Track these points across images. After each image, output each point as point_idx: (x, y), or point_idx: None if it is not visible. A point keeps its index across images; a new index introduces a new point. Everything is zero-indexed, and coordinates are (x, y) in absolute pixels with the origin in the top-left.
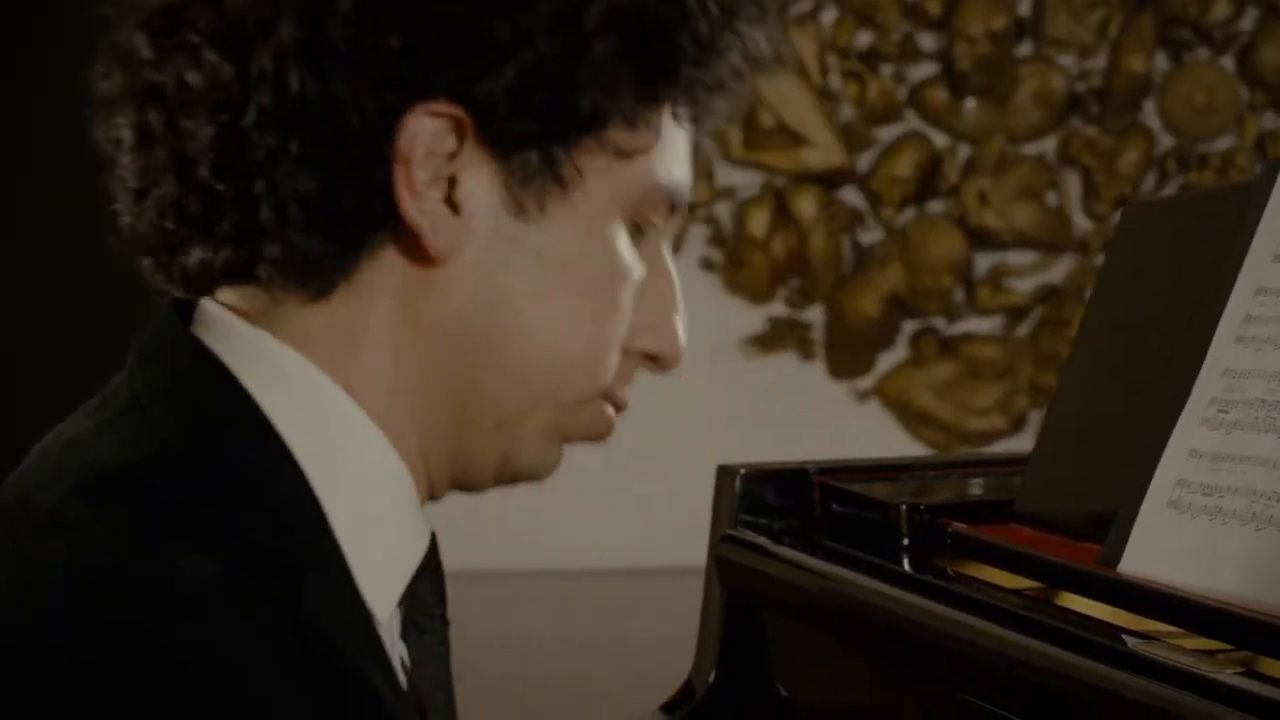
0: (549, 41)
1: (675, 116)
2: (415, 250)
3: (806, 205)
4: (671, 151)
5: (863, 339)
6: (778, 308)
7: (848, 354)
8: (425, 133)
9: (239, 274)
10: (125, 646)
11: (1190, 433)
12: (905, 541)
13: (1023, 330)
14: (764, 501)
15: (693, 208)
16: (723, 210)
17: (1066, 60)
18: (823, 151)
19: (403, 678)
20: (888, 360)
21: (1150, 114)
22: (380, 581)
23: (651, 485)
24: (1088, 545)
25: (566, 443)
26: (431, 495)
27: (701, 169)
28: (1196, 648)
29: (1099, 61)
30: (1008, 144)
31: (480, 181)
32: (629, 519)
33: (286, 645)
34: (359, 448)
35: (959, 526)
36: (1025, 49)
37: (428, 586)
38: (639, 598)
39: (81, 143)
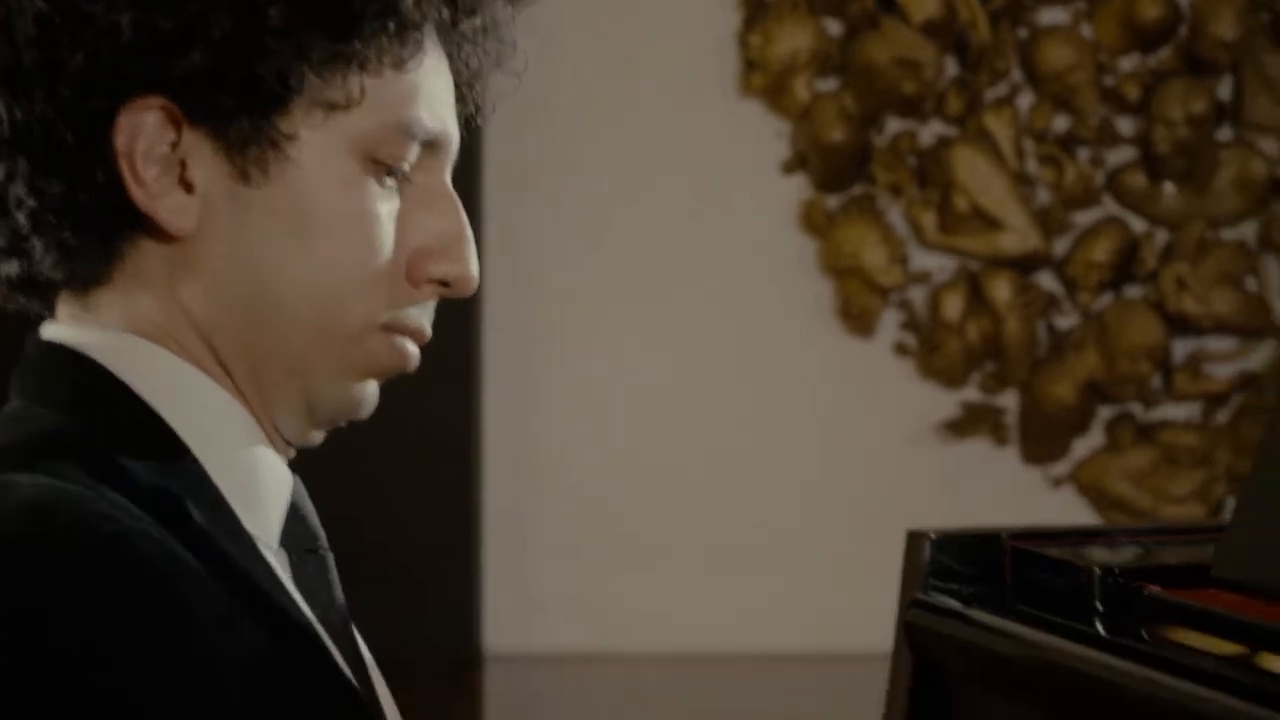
0: (225, 19)
1: (385, 63)
2: (165, 235)
3: (1002, 290)
4: (400, 91)
5: (1058, 425)
6: (971, 393)
7: (1042, 440)
8: (142, 128)
9: (38, 283)
10: (70, 538)
11: None
12: (1099, 606)
13: (1221, 417)
14: (954, 567)
15: (886, 292)
16: (917, 295)
17: (1268, 144)
18: (1019, 236)
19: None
20: (1083, 446)
21: None
22: (255, 517)
23: (847, 564)
24: None
25: (372, 378)
26: (278, 447)
27: (895, 253)
28: None
29: None
30: (1207, 229)
31: (205, 159)
32: (820, 600)
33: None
34: (203, 398)
35: (1155, 590)
36: (1225, 133)
37: (303, 527)
38: (821, 682)
39: None
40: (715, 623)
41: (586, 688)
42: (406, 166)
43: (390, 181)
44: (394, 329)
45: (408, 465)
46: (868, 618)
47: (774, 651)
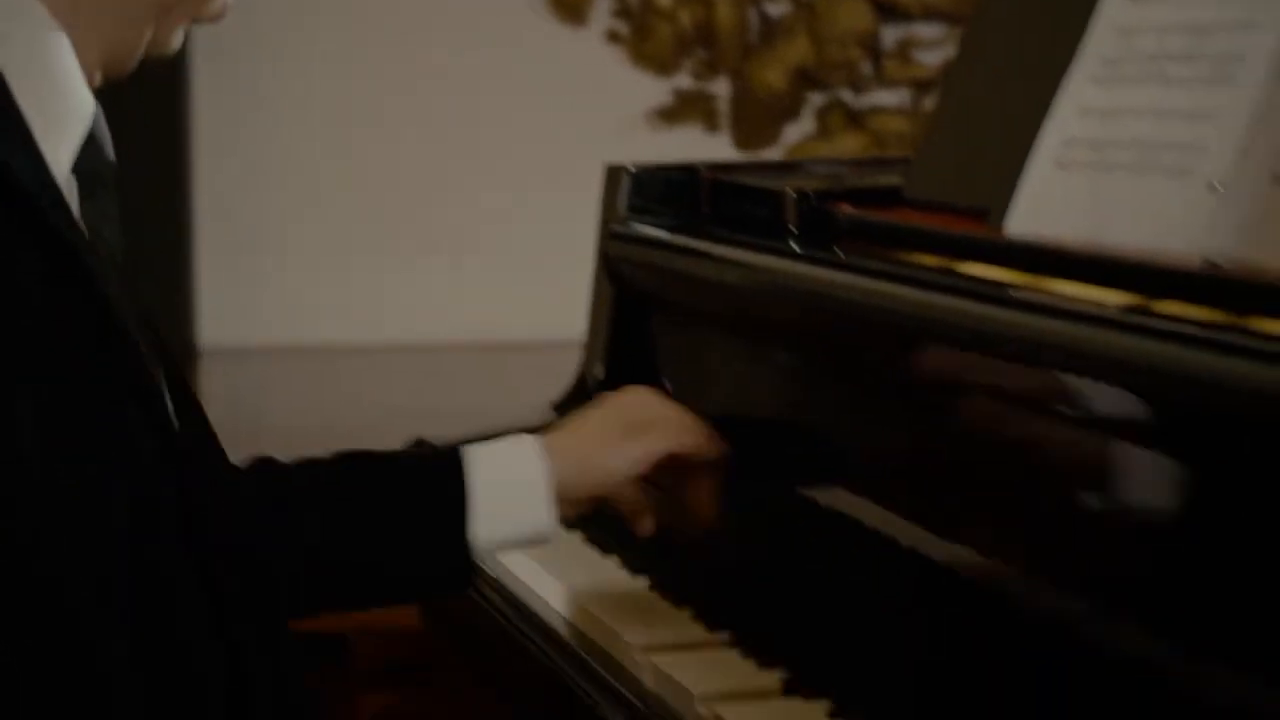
0: None
1: None
2: None
3: None
4: None
5: (769, 111)
6: (683, 79)
7: (754, 126)
8: None
9: None
10: None
11: (1080, 92)
12: (794, 228)
13: (930, 103)
14: (652, 199)
15: None
16: None
17: None
18: None
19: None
20: (794, 132)
21: None
22: (52, 141)
23: (558, 253)
24: (980, 225)
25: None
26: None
27: None
28: (1090, 297)
29: None
30: None
31: None
32: (532, 289)
33: None
34: (22, 14)
35: (848, 210)
36: None
37: (99, 158)
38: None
39: None
40: (431, 313)
41: (300, 381)
42: None
43: None
44: None
45: (118, 160)
46: (578, 308)
47: (495, 341)
